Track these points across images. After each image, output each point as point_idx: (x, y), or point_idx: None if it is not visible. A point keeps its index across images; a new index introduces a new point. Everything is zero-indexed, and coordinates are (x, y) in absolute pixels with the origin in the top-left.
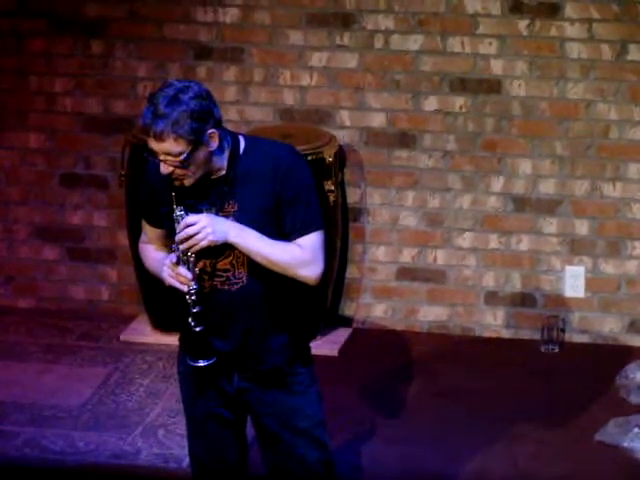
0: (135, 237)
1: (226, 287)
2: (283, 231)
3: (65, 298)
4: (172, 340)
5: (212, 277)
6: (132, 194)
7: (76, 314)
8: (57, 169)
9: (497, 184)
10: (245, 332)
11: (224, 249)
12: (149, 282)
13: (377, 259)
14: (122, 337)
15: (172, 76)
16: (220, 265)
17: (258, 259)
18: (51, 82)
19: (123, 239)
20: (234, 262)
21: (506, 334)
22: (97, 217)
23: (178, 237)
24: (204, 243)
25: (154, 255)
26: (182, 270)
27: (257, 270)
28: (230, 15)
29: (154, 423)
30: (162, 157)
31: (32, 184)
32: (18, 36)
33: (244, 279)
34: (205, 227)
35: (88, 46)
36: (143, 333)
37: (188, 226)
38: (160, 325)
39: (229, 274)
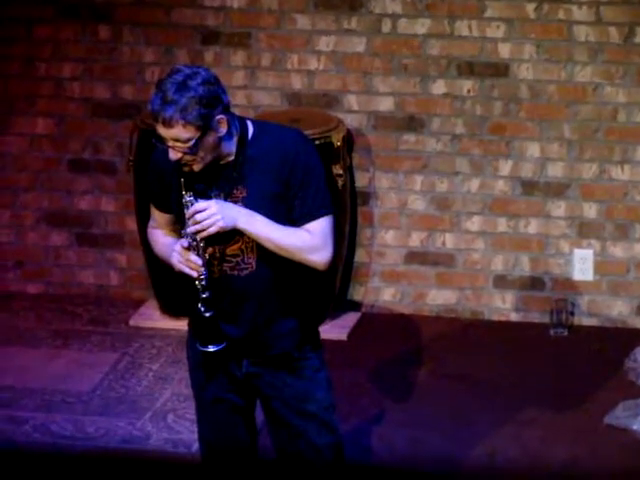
0: (144, 222)
1: (235, 272)
2: (292, 216)
3: (74, 283)
4: (181, 325)
5: (221, 262)
6: (140, 179)
7: (85, 299)
8: (65, 154)
9: (505, 167)
10: (254, 317)
11: (233, 235)
12: (158, 267)
13: (386, 243)
14: (131, 322)
15: (180, 61)
16: (229, 251)
17: (267, 245)
18: (59, 67)
19: (132, 224)
20: (243, 247)
21: (515, 317)
22: (105, 202)
23: (187, 223)
24: (213, 229)
25: (163, 240)
26: (192, 256)
27: (266, 255)
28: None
29: (163, 408)
30: (171, 143)
31: (40, 170)
32: (26, 22)
33: (253, 264)
34: (214, 213)
35: (96, 31)
36: (152, 318)
37: (197, 212)
38: (169, 310)
39: (238, 259)
